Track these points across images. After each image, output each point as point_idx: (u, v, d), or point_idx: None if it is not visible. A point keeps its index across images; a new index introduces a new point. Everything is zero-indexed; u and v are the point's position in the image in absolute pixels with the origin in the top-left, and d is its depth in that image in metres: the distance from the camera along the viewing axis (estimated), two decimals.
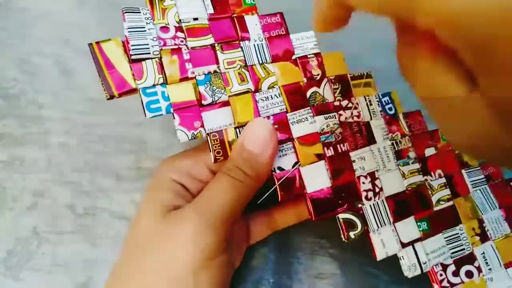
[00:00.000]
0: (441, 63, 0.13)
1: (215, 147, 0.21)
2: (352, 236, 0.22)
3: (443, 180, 0.25)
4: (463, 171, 0.25)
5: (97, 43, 0.20)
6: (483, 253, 0.24)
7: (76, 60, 0.31)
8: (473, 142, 0.13)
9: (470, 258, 0.24)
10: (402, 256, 0.23)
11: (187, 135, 0.21)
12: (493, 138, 0.12)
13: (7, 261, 0.27)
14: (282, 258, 0.27)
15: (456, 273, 0.23)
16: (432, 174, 0.24)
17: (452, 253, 0.23)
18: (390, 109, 0.25)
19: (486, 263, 0.24)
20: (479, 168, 0.26)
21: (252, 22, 0.23)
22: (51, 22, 0.31)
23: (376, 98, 0.25)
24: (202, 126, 0.21)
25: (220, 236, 0.20)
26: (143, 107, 0.20)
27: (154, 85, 0.21)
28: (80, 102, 0.30)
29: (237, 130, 0.22)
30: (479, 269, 0.23)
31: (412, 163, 0.24)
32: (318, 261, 0.27)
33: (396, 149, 0.24)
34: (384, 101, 0.25)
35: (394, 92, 0.25)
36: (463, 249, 0.24)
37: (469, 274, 0.23)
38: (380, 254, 0.22)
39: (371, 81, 0.25)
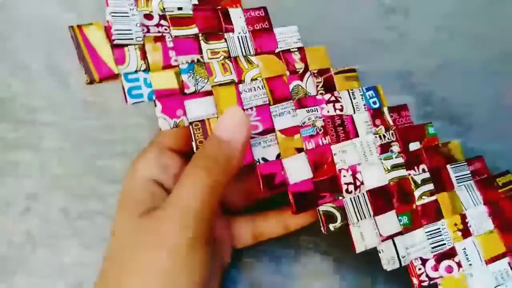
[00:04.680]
0: None
1: (198, 136, 0.21)
2: (332, 229, 0.22)
3: (427, 174, 0.25)
4: (448, 166, 0.25)
5: (79, 26, 0.20)
6: (464, 248, 0.24)
7: (69, 64, 0.31)
8: None
9: (450, 253, 0.24)
10: (381, 250, 0.22)
11: (169, 123, 0.20)
12: None
13: (1, 266, 0.27)
14: (279, 258, 0.27)
15: (435, 268, 0.23)
16: (416, 168, 0.25)
17: (433, 247, 0.23)
18: (374, 102, 0.25)
19: (467, 258, 0.24)
20: (465, 163, 0.26)
21: (236, 14, 0.24)
22: (45, 25, 0.31)
23: (360, 92, 0.25)
24: (185, 114, 0.21)
25: (198, 232, 0.19)
26: (124, 94, 0.20)
27: (136, 71, 0.20)
28: (74, 106, 0.30)
29: None
30: (459, 264, 0.23)
31: (396, 157, 0.24)
32: (315, 261, 0.27)
33: (380, 143, 0.24)
34: (369, 94, 0.25)
35: (379, 86, 0.26)
36: (444, 244, 0.24)
37: (448, 269, 0.23)
38: (359, 247, 0.22)
39: (354, 75, 0.25)
